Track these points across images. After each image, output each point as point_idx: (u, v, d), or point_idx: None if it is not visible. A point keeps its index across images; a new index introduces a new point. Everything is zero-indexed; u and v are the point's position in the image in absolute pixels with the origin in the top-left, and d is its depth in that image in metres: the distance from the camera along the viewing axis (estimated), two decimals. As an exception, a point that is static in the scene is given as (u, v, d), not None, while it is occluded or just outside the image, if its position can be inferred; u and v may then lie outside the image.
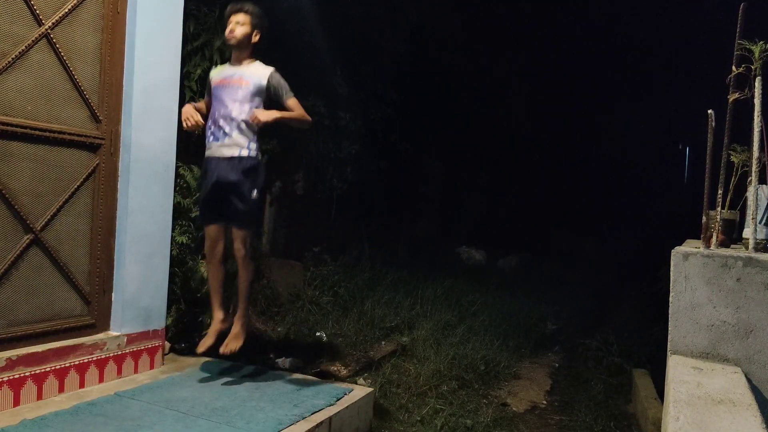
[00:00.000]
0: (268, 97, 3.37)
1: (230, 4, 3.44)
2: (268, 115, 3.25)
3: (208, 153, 3.43)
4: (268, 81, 3.33)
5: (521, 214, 13.17)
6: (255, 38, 3.38)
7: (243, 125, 3.31)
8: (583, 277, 10.02)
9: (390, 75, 8.25)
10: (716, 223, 2.79)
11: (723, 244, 2.80)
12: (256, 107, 3.33)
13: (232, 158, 3.32)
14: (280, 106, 3.38)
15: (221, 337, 3.48)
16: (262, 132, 3.41)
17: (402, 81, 8.57)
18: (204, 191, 3.48)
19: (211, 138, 3.39)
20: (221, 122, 3.34)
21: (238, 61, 3.40)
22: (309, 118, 3.42)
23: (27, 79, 3.02)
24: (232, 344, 3.36)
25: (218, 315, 3.51)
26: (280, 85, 3.36)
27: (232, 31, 3.32)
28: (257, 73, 3.36)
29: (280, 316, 5.36)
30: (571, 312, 7.65)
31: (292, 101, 3.38)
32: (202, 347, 3.38)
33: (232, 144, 3.32)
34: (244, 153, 3.32)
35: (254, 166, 3.35)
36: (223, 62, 4.86)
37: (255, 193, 3.34)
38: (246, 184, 3.32)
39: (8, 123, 2.93)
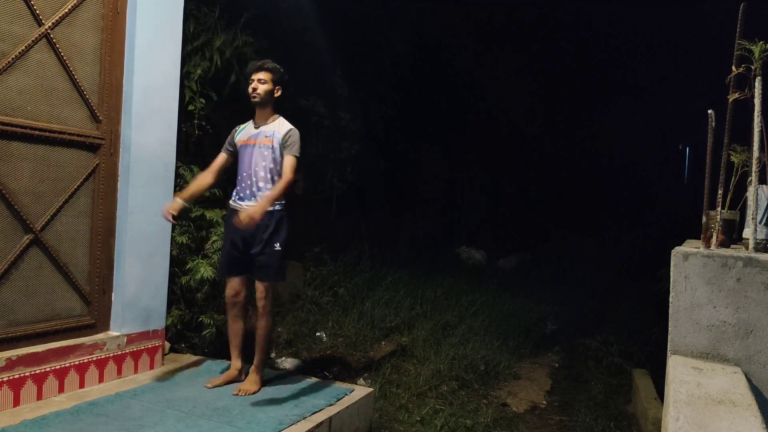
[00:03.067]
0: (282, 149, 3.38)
1: (251, 62, 3.51)
2: (256, 214, 3.08)
3: (233, 206, 3.44)
4: (283, 137, 3.34)
5: (521, 214, 13.17)
6: (277, 93, 3.41)
7: (269, 185, 3.34)
8: (583, 277, 10.02)
9: (390, 75, 8.25)
10: (716, 223, 2.79)
11: (723, 244, 2.80)
12: (281, 164, 3.34)
13: None
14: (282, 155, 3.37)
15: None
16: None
17: (402, 81, 8.57)
18: (227, 243, 3.50)
19: (238, 197, 3.43)
20: (249, 182, 3.37)
21: (263, 119, 3.42)
22: (290, 178, 3.27)
23: (27, 79, 3.02)
24: (247, 388, 3.34)
25: (236, 364, 3.51)
26: (289, 143, 3.34)
27: (255, 90, 3.35)
28: (280, 130, 3.38)
29: (280, 317, 5.35)
30: (571, 312, 7.65)
31: (287, 159, 3.31)
32: (210, 384, 3.37)
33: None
34: (269, 208, 3.30)
35: (278, 220, 3.37)
36: (222, 62, 4.88)
37: (278, 246, 3.36)
38: (269, 237, 3.34)
39: (8, 123, 2.93)
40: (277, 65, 3.44)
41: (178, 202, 3.36)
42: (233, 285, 3.47)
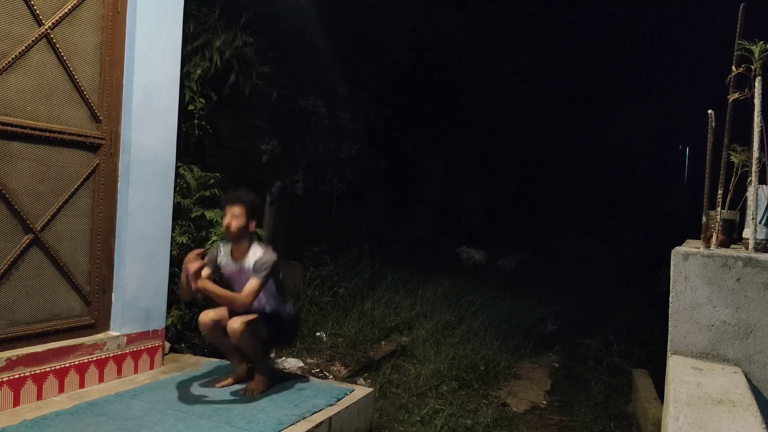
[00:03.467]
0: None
1: (225, 195, 3.50)
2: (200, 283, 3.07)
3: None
4: (254, 263, 3.28)
5: (521, 214, 13.18)
6: (251, 227, 3.36)
7: (267, 306, 3.41)
8: (583, 277, 10.02)
9: (390, 75, 8.25)
10: (716, 223, 2.79)
11: (723, 244, 2.80)
12: (269, 286, 3.35)
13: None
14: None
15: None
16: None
17: (402, 81, 8.57)
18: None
19: None
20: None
21: (239, 254, 3.34)
22: (247, 301, 3.17)
23: (27, 79, 3.02)
24: (254, 387, 3.34)
25: (239, 369, 3.50)
26: (259, 268, 3.24)
27: (228, 226, 3.30)
28: (254, 261, 3.31)
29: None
30: (571, 312, 7.65)
31: (252, 282, 3.21)
32: (219, 385, 3.38)
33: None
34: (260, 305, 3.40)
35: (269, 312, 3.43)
36: (222, 62, 4.88)
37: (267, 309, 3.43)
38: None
39: (8, 123, 2.93)
40: (250, 197, 3.37)
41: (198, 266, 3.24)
42: (206, 321, 3.37)
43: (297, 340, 4.95)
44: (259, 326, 3.28)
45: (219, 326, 3.32)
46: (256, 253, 3.33)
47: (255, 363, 3.41)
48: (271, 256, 3.31)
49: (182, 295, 3.39)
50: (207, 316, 3.34)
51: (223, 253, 3.43)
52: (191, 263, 3.00)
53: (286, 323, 3.50)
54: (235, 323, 3.18)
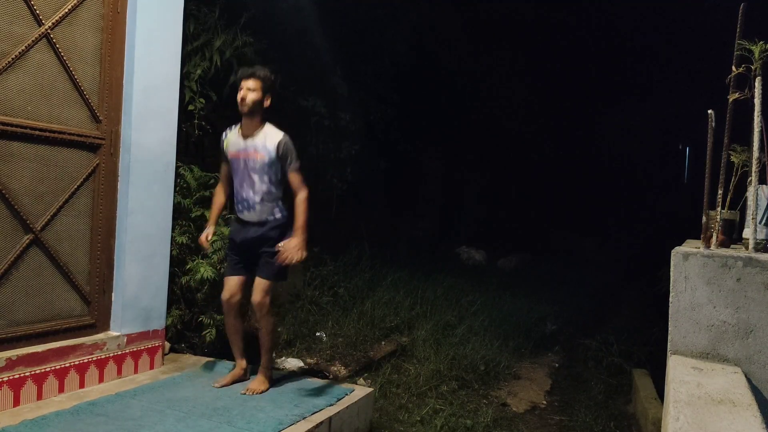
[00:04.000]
0: (280, 162, 3.35)
1: (241, 69, 3.42)
2: (298, 251, 3.24)
3: (236, 216, 3.47)
4: (277, 150, 3.29)
5: (521, 214, 13.17)
6: (266, 103, 3.32)
7: (266, 197, 3.33)
8: (583, 277, 10.02)
9: (390, 75, 8.25)
10: (716, 223, 2.79)
11: (723, 244, 2.80)
12: (275, 174, 3.33)
13: (258, 221, 3.37)
14: (284, 171, 3.35)
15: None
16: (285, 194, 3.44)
17: (402, 81, 8.57)
18: (230, 246, 3.51)
19: (237, 207, 3.43)
20: (244, 195, 3.35)
21: (250, 130, 3.31)
22: (306, 192, 3.33)
23: (27, 79, 3.02)
24: (255, 387, 3.34)
25: (241, 363, 3.50)
26: (287, 155, 3.28)
27: (243, 99, 3.26)
28: (269, 143, 3.30)
29: (280, 317, 5.35)
30: (571, 312, 7.65)
31: (294, 177, 3.31)
32: (217, 384, 3.37)
33: (257, 214, 3.36)
34: (270, 218, 3.36)
35: (280, 225, 3.38)
36: (222, 63, 4.88)
37: (282, 245, 3.34)
38: (272, 239, 3.34)
39: (8, 123, 2.93)
40: (268, 73, 3.33)
41: (211, 230, 3.46)
42: (230, 286, 3.43)
43: (298, 340, 4.95)
44: (275, 288, 3.38)
45: (236, 300, 3.39)
46: (271, 135, 3.29)
47: (264, 350, 3.40)
48: (289, 140, 3.30)
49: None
50: (235, 280, 3.40)
51: (229, 135, 3.40)
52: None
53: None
54: (257, 296, 3.28)
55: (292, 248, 3.23)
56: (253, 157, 3.29)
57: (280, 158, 3.29)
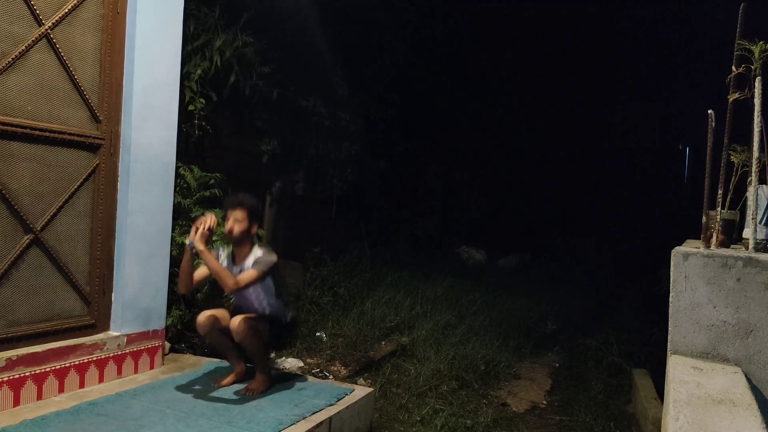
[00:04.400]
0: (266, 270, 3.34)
1: (227, 199, 3.53)
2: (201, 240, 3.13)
3: None
4: (254, 261, 3.32)
5: (521, 214, 13.17)
6: (253, 231, 3.40)
7: (267, 308, 3.45)
8: (583, 277, 10.02)
9: (390, 75, 8.25)
10: (716, 223, 2.79)
11: (723, 244, 2.80)
12: (269, 286, 3.41)
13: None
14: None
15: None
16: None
17: (402, 81, 8.57)
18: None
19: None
20: (238, 303, 3.50)
21: (241, 257, 3.37)
22: (238, 285, 3.17)
23: (27, 79, 3.02)
24: (255, 387, 3.34)
25: (238, 368, 3.50)
26: (259, 261, 3.29)
27: (231, 231, 3.32)
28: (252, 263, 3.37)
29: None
30: (571, 312, 7.65)
31: (249, 271, 3.24)
32: (218, 384, 3.38)
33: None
34: (259, 309, 3.47)
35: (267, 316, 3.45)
36: (222, 63, 4.88)
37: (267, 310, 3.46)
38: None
39: (8, 123, 2.93)
40: (252, 201, 3.40)
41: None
42: (202, 324, 3.35)
43: (297, 341, 4.95)
44: (260, 324, 3.29)
45: (217, 326, 3.33)
46: (256, 254, 3.37)
47: (256, 362, 3.41)
48: (272, 257, 3.34)
49: (180, 285, 3.32)
50: (204, 315, 3.35)
51: (224, 257, 3.44)
52: (207, 221, 3.10)
53: (286, 326, 3.51)
54: (237, 320, 3.20)
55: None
56: None
57: (253, 263, 3.31)
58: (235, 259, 3.40)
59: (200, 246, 3.07)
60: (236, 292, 3.30)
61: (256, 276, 3.22)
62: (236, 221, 3.31)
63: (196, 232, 3.09)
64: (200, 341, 4.30)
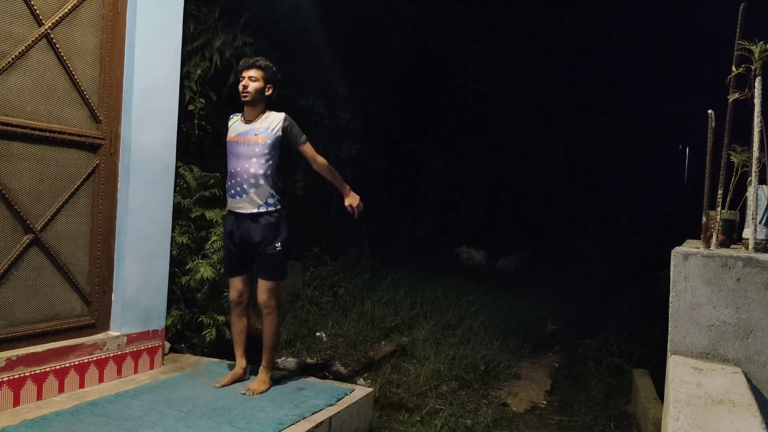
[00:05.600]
0: (285, 144, 3.37)
1: (242, 60, 3.48)
2: (358, 201, 3.57)
3: (228, 206, 3.46)
4: (283, 129, 3.33)
5: (521, 214, 13.18)
6: (268, 92, 3.37)
7: (261, 181, 3.31)
8: (583, 277, 10.03)
9: (390, 75, 8.25)
10: (716, 224, 2.79)
11: (723, 244, 2.80)
12: (273, 160, 3.34)
13: (251, 214, 3.35)
14: (294, 150, 3.42)
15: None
16: (281, 189, 3.46)
17: (402, 81, 8.57)
18: (226, 245, 3.51)
19: (230, 194, 3.41)
20: (238, 179, 3.34)
21: (252, 116, 3.36)
22: (323, 160, 3.48)
23: (27, 79, 3.02)
24: (255, 387, 3.34)
25: (241, 363, 3.51)
26: (293, 132, 3.36)
27: (245, 87, 3.31)
28: (271, 125, 3.34)
29: (280, 317, 5.35)
30: (571, 312, 7.65)
31: (306, 149, 3.41)
32: (218, 384, 3.38)
33: (250, 201, 3.33)
34: (263, 209, 3.34)
35: (275, 220, 3.37)
36: (222, 63, 4.88)
37: (278, 245, 3.35)
38: (268, 237, 3.34)
39: (8, 123, 2.93)
40: (269, 63, 3.40)
41: None
42: (236, 286, 3.49)
43: (297, 340, 4.95)
44: (281, 284, 3.48)
45: (243, 300, 3.48)
46: (273, 118, 3.35)
47: (266, 347, 3.41)
48: (289, 117, 3.37)
49: None
50: (236, 291, 3.48)
51: (233, 122, 3.45)
52: None
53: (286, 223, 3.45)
54: (262, 296, 3.36)
55: (355, 203, 3.54)
56: (253, 141, 3.32)
57: (288, 137, 3.34)
58: (245, 118, 3.38)
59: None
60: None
61: (309, 143, 3.40)
62: (251, 79, 3.30)
63: None
64: (200, 341, 4.30)
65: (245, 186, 3.31)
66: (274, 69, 3.42)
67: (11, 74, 2.95)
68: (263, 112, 3.38)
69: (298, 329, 5.24)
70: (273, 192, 3.35)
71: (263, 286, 3.38)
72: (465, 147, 11.42)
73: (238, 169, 3.33)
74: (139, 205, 3.52)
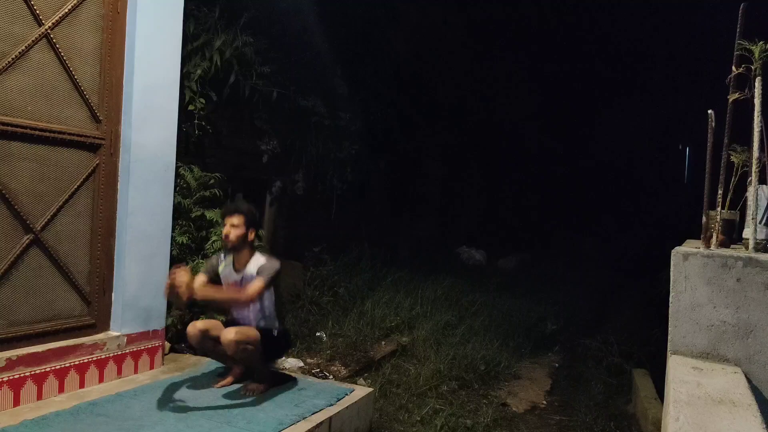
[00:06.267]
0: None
1: (224, 207, 3.52)
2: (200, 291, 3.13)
3: None
4: (258, 269, 3.30)
5: (521, 214, 13.18)
6: (251, 237, 3.37)
7: (261, 322, 3.38)
8: (583, 277, 10.02)
9: (390, 75, 8.25)
10: (716, 224, 2.79)
11: (723, 244, 2.80)
12: (268, 297, 3.37)
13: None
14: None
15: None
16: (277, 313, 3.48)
17: (402, 81, 8.56)
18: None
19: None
20: (235, 316, 3.43)
21: (241, 263, 3.36)
22: (248, 298, 3.19)
23: (27, 79, 3.02)
24: (255, 387, 3.34)
25: (239, 369, 3.50)
26: (263, 270, 3.27)
27: (227, 236, 3.31)
28: (255, 270, 3.33)
29: (280, 317, 5.35)
30: (571, 312, 7.65)
31: (256, 281, 3.22)
32: (218, 385, 3.38)
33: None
34: (255, 324, 3.41)
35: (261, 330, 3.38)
36: (222, 63, 4.88)
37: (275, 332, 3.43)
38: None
39: (8, 123, 2.93)
40: (250, 207, 3.40)
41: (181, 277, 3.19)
42: (195, 331, 3.36)
43: (297, 340, 4.95)
44: (251, 339, 3.24)
45: (209, 336, 3.31)
46: (259, 261, 3.35)
47: (253, 371, 3.41)
48: (275, 264, 3.33)
49: (176, 303, 3.37)
50: (195, 327, 3.32)
51: (224, 263, 3.43)
52: (180, 276, 2.88)
53: (277, 340, 3.45)
54: (229, 334, 3.14)
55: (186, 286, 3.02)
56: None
57: (258, 272, 3.28)
58: (235, 266, 3.39)
59: (201, 294, 3.03)
60: (249, 305, 3.29)
61: (263, 285, 3.21)
62: (233, 227, 3.31)
63: (169, 290, 2.92)
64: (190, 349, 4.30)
65: (242, 319, 3.40)
66: (255, 212, 3.43)
67: (11, 74, 2.95)
68: (251, 256, 3.37)
69: (298, 329, 5.24)
70: (271, 312, 3.43)
71: (230, 333, 3.20)
72: (465, 147, 11.42)
73: (237, 315, 3.42)
74: (139, 205, 3.52)
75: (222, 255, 3.49)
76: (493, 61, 11.32)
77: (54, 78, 3.15)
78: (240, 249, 3.35)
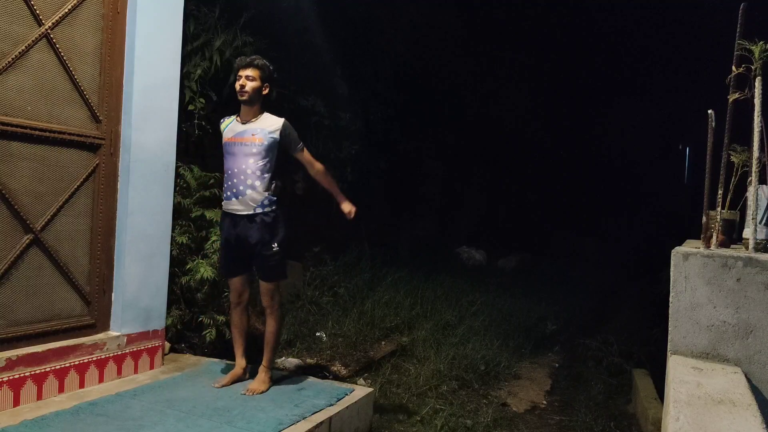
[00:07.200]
0: (282, 149, 3.37)
1: (239, 58, 3.45)
2: (351, 208, 3.68)
3: (224, 208, 3.44)
4: (281, 135, 3.32)
5: (521, 214, 13.18)
6: (265, 91, 3.35)
7: (257, 182, 3.30)
8: (583, 277, 10.03)
9: (390, 75, 8.25)
10: (716, 223, 2.79)
11: (723, 244, 2.80)
12: (270, 162, 3.32)
13: (248, 215, 3.33)
14: (290, 156, 3.43)
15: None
16: (280, 188, 3.44)
17: (402, 81, 8.56)
18: (223, 246, 3.51)
19: (226, 195, 3.40)
20: (234, 180, 3.33)
21: (249, 116, 3.34)
22: (322, 165, 3.52)
23: (27, 79, 3.02)
24: (255, 387, 3.34)
25: (240, 362, 3.51)
26: (291, 139, 3.35)
27: (243, 87, 3.28)
28: (269, 127, 3.33)
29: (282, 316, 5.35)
30: (571, 312, 7.65)
31: (304, 155, 3.42)
32: (217, 384, 3.37)
33: (247, 202, 3.32)
34: (259, 210, 3.32)
35: (271, 221, 3.35)
36: (222, 63, 4.88)
37: (276, 246, 3.35)
38: (265, 238, 3.33)
39: (8, 123, 2.93)
40: (266, 62, 3.38)
41: None
42: (235, 287, 3.49)
43: (297, 341, 4.95)
44: (278, 288, 3.46)
45: (244, 300, 3.49)
46: (270, 120, 3.33)
47: (267, 345, 3.42)
48: (288, 123, 3.37)
49: None
50: (236, 292, 3.50)
51: (226, 122, 3.44)
52: None
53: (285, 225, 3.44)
54: (265, 299, 3.41)
55: (349, 210, 3.62)
56: (250, 142, 3.30)
57: (286, 142, 3.33)
58: (241, 118, 3.36)
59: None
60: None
61: (306, 149, 3.39)
62: (248, 79, 3.28)
63: None
64: (200, 341, 4.31)
65: (241, 187, 3.30)
66: (272, 68, 3.40)
67: (11, 74, 2.94)
68: (260, 113, 3.37)
69: (298, 329, 5.24)
70: (269, 193, 3.35)
71: (263, 288, 3.40)
72: (465, 147, 11.42)
73: (235, 169, 3.32)
74: (139, 205, 3.52)
75: (224, 119, 3.48)
76: (493, 61, 11.32)
77: (54, 78, 3.15)
78: (252, 103, 3.32)
